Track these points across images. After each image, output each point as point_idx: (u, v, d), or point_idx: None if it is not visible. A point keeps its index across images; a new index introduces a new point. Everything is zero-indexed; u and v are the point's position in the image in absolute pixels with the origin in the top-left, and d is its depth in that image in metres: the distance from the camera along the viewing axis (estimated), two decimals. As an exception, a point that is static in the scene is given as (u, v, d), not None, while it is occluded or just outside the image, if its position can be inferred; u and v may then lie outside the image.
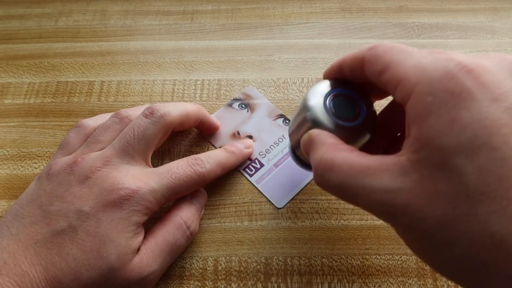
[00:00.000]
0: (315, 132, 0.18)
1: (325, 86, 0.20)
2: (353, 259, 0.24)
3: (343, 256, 0.24)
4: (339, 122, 0.19)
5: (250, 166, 0.27)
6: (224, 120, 0.29)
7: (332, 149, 0.17)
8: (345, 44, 0.33)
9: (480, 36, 0.33)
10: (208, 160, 0.24)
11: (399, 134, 0.22)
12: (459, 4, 0.35)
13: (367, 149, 0.20)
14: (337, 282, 0.24)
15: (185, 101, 0.30)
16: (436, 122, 0.14)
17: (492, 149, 0.12)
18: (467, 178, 0.13)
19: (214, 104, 0.30)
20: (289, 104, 0.30)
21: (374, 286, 0.23)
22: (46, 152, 0.28)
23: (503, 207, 0.12)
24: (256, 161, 0.27)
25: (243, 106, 0.30)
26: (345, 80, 0.20)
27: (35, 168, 0.27)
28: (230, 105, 0.30)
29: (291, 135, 0.22)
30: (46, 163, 0.28)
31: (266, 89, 0.31)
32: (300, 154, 0.21)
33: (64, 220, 0.20)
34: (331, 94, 0.19)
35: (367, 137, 0.19)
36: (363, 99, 0.20)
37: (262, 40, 0.33)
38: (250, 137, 0.28)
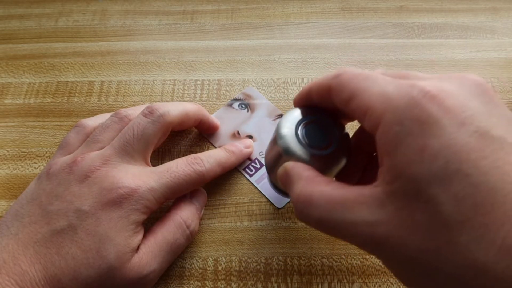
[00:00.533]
0: (289, 165, 0.18)
1: (296, 114, 0.20)
2: (353, 259, 0.24)
3: (343, 256, 0.24)
4: (313, 152, 0.18)
5: (250, 166, 0.27)
6: (224, 120, 0.29)
7: (309, 183, 0.17)
8: (345, 44, 0.33)
9: (480, 36, 0.33)
10: (207, 160, 0.24)
11: (375, 153, 0.21)
12: (459, 4, 0.35)
13: (345, 172, 0.19)
14: (337, 282, 0.24)
15: (185, 101, 0.30)
16: (406, 152, 0.13)
17: (464, 176, 0.12)
18: (443, 208, 0.12)
19: (214, 104, 0.30)
20: (289, 104, 0.30)
21: (374, 286, 0.23)
22: (46, 152, 0.28)
23: (481, 235, 0.12)
24: (256, 161, 0.27)
25: (243, 106, 0.30)
26: (316, 107, 0.20)
27: (35, 168, 0.27)
28: (230, 105, 0.30)
29: (266, 161, 0.22)
30: (46, 163, 0.28)
31: (266, 89, 0.31)
32: (274, 179, 0.21)
33: (64, 219, 0.20)
34: (303, 122, 0.19)
35: (342, 163, 0.19)
36: (335, 123, 0.20)
37: (262, 40, 0.33)
38: (250, 137, 0.28)
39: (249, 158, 0.27)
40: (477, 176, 0.12)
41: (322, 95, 0.18)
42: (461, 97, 0.14)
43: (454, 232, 0.12)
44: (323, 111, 0.20)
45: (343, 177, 0.20)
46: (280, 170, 0.19)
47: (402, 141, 0.14)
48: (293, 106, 0.30)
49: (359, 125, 0.22)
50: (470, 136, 0.13)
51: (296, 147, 0.18)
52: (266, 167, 0.23)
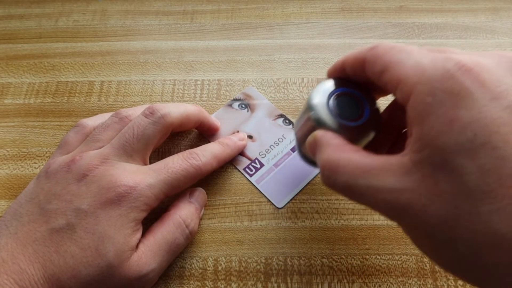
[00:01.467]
0: (319, 133, 0.18)
1: (329, 85, 0.20)
2: (353, 259, 0.24)
3: (343, 256, 0.24)
4: (343, 122, 0.19)
5: (250, 166, 0.27)
6: (224, 120, 0.29)
7: (337, 150, 0.17)
8: (345, 44, 0.33)
9: (480, 36, 0.33)
10: (203, 153, 0.24)
11: (404, 130, 0.22)
12: (459, 4, 0.35)
13: (373, 146, 0.20)
14: (337, 282, 0.24)
15: (185, 101, 0.30)
16: (436, 122, 0.14)
17: (492, 148, 0.12)
18: (468, 178, 0.13)
19: (214, 104, 0.30)
20: (289, 104, 0.30)
21: (374, 286, 0.23)
22: (46, 152, 0.28)
23: (504, 206, 0.12)
24: (256, 161, 0.27)
25: (243, 106, 0.30)
26: (349, 79, 0.20)
27: (35, 168, 0.27)
28: (230, 105, 0.30)
29: (297, 133, 0.23)
30: (46, 162, 0.28)
31: (266, 89, 0.31)
32: (305, 151, 0.22)
33: (62, 218, 0.20)
34: (335, 94, 0.19)
35: (371, 136, 0.19)
36: (366, 97, 0.20)
37: (262, 40, 0.33)
38: (250, 137, 0.28)
39: (249, 158, 0.27)
40: (505, 149, 0.12)
41: (356, 67, 0.18)
42: (497, 72, 0.14)
43: (477, 202, 0.12)
44: (356, 83, 0.20)
45: (370, 150, 0.21)
46: (310, 138, 0.19)
47: (433, 112, 0.14)
48: (292, 106, 0.30)
49: (391, 100, 0.22)
50: (502, 110, 0.13)
51: (326, 116, 0.19)
52: (296, 139, 0.23)
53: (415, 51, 0.16)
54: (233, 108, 0.30)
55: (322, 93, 0.19)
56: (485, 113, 0.13)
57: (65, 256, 0.19)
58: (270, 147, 0.28)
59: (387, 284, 0.23)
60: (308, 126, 0.20)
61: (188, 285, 0.23)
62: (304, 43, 0.33)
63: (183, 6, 0.35)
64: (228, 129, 0.29)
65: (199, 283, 0.23)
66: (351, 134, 0.18)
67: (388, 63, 0.16)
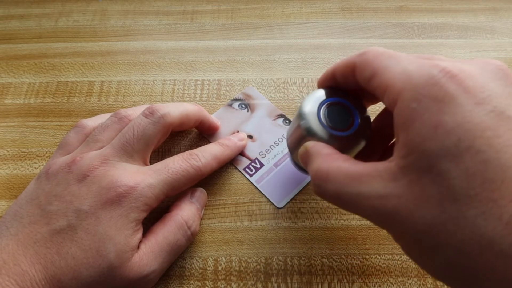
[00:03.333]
0: (310, 144, 0.19)
1: (320, 95, 0.20)
2: (353, 259, 0.24)
3: (343, 256, 0.24)
4: (333, 132, 0.19)
5: (250, 166, 0.27)
6: (224, 120, 0.29)
7: (327, 159, 0.17)
8: (345, 44, 0.33)
9: (480, 36, 0.33)
10: (203, 154, 0.24)
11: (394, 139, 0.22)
12: (459, 4, 0.35)
13: (363, 154, 0.20)
14: (337, 282, 0.24)
15: (185, 101, 0.30)
16: (421, 128, 0.14)
17: (476, 152, 0.13)
18: (453, 182, 0.13)
19: (214, 104, 0.30)
20: (289, 104, 0.30)
21: (374, 286, 0.23)
22: (46, 152, 0.28)
23: (489, 209, 0.12)
24: (256, 161, 0.27)
25: (243, 106, 0.30)
26: (339, 88, 0.20)
27: (35, 168, 0.27)
28: (230, 105, 0.30)
29: (288, 139, 0.23)
30: (46, 163, 0.28)
31: (266, 89, 0.31)
32: (296, 158, 0.22)
33: (63, 219, 0.20)
34: (325, 103, 0.20)
35: (361, 145, 0.19)
36: (356, 106, 0.20)
37: (262, 40, 0.33)
38: (250, 137, 0.28)
39: (249, 158, 0.27)
40: (489, 153, 0.12)
41: (346, 74, 0.19)
42: (481, 78, 0.14)
43: (463, 207, 0.13)
44: (346, 93, 0.20)
45: (361, 159, 0.21)
46: (301, 149, 0.20)
47: (418, 118, 0.14)
48: (292, 106, 0.30)
49: (381, 109, 0.22)
50: (486, 115, 0.13)
51: (317, 127, 0.19)
52: (288, 147, 0.23)
53: (403, 58, 0.16)
54: (233, 108, 0.30)
55: (313, 102, 0.20)
56: (469, 118, 0.13)
57: (66, 257, 0.19)
58: (270, 147, 0.28)
59: (387, 284, 0.23)
60: (298, 134, 0.20)
61: (188, 285, 0.23)
62: (304, 43, 0.33)
63: (183, 6, 0.35)
64: (228, 129, 0.29)
65: (199, 283, 0.24)
66: (342, 144, 0.19)
67: (377, 69, 0.16)
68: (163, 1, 0.36)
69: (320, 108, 0.20)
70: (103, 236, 0.19)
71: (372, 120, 0.21)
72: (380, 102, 0.22)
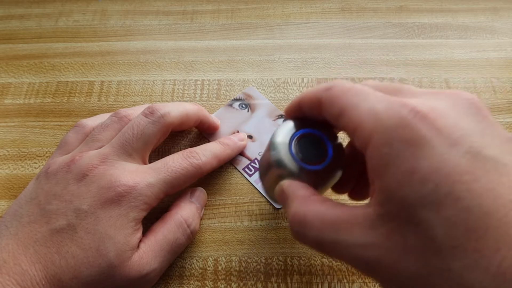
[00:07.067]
0: (285, 183, 0.18)
1: (290, 126, 0.19)
2: (353, 259, 0.24)
3: (343, 256, 0.24)
4: (306, 167, 0.18)
5: (250, 166, 0.27)
6: (224, 120, 0.29)
7: (303, 202, 0.17)
8: (345, 44, 0.33)
9: (480, 36, 0.33)
10: (203, 153, 0.24)
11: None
12: (459, 4, 0.35)
13: (339, 182, 0.19)
14: (337, 282, 0.24)
15: (185, 101, 0.30)
16: (395, 174, 0.13)
17: (456, 199, 0.12)
18: (435, 232, 0.12)
19: (214, 104, 0.30)
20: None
21: (374, 286, 0.23)
22: (46, 152, 0.28)
23: (474, 261, 0.11)
24: (256, 161, 0.27)
25: (243, 106, 0.30)
26: (308, 118, 0.20)
27: (35, 168, 0.27)
28: (230, 105, 0.30)
29: (259, 166, 0.22)
30: (45, 162, 0.28)
31: (266, 89, 0.31)
32: (265, 186, 0.22)
33: (63, 218, 0.20)
34: (296, 137, 0.19)
35: (337, 176, 0.19)
36: (327, 134, 0.19)
37: (262, 40, 0.33)
38: (250, 137, 0.28)
39: (249, 158, 0.27)
40: (470, 199, 0.12)
41: (312, 108, 0.18)
42: (453, 116, 0.14)
43: (447, 259, 0.12)
44: (316, 121, 0.19)
45: (338, 186, 0.20)
46: (277, 188, 0.19)
47: (392, 164, 0.13)
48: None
49: None
50: (462, 157, 0.12)
51: (288, 160, 0.18)
52: (259, 173, 0.22)
53: (370, 95, 0.15)
54: (234, 108, 0.30)
55: (284, 135, 0.19)
56: (445, 161, 0.12)
57: (66, 256, 0.19)
58: (270, 147, 0.28)
59: (387, 284, 0.23)
60: (270, 166, 0.19)
61: (188, 285, 0.23)
62: (304, 43, 0.33)
63: (183, 6, 0.35)
64: (228, 129, 0.29)
65: (199, 283, 0.24)
66: (317, 178, 0.18)
67: (345, 107, 0.16)
68: (163, 1, 0.36)
69: (292, 141, 0.19)
70: (103, 235, 0.19)
71: (345, 145, 0.20)
72: None
